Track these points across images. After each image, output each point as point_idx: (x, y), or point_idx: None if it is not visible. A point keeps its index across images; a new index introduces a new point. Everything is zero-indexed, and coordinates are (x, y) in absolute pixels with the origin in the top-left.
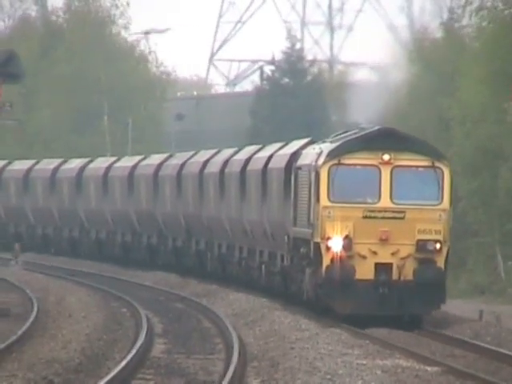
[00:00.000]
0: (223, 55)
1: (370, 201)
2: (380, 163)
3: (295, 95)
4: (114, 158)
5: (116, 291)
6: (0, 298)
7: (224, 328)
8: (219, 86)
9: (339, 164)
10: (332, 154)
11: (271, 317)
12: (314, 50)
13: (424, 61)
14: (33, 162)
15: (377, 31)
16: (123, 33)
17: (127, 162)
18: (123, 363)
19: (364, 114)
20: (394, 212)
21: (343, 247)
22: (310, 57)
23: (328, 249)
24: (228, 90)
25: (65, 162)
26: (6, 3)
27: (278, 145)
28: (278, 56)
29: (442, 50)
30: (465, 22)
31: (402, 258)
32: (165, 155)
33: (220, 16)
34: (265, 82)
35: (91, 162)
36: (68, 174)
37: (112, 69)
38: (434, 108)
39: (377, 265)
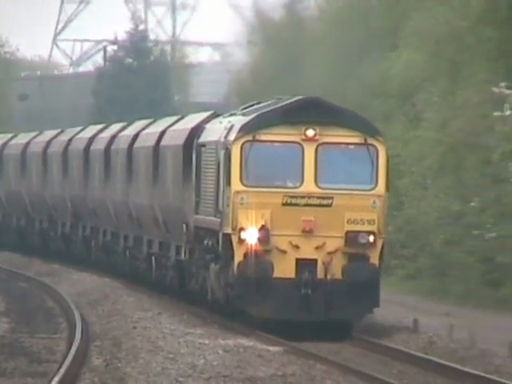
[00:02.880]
0: (67, 35)
1: (290, 185)
2: (303, 140)
3: (138, 75)
4: (34, 133)
5: None
6: None
7: (67, 307)
8: (64, 67)
9: (254, 140)
10: (245, 129)
11: (114, 296)
12: (157, 30)
13: (267, 41)
14: None
15: (220, 11)
16: None
17: (42, 137)
18: None
19: (206, 94)
20: (319, 198)
21: (259, 240)
22: (153, 37)
23: (241, 242)
24: (72, 70)
25: None
26: None
27: (172, 119)
28: (122, 36)
29: (285, 31)
30: (306, 3)
31: (329, 253)
32: (56, 131)
33: None
34: (108, 63)
35: (15, 137)
36: None
37: None
38: (278, 88)
39: (299, 261)
